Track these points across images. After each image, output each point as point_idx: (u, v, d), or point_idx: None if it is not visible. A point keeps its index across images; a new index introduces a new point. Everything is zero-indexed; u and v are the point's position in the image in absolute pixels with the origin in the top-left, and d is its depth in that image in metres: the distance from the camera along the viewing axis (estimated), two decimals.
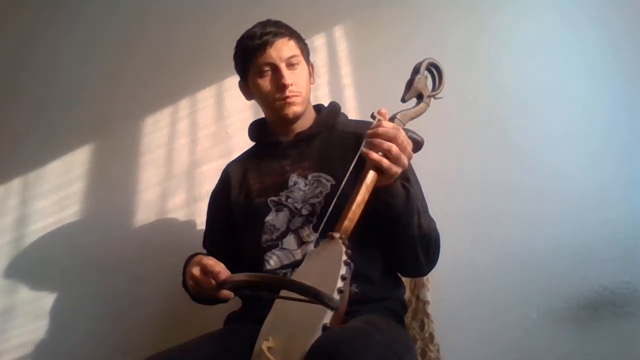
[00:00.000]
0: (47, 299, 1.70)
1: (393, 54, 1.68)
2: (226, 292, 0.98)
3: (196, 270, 1.00)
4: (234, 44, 1.24)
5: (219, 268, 0.98)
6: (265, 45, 1.16)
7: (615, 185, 1.54)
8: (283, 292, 0.90)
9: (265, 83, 1.19)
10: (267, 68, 1.17)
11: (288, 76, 1.16)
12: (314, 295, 0.78)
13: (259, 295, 0.99)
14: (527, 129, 1.61)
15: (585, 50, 1.64)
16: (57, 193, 1.77)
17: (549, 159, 1.59)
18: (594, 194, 1.54)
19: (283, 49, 1.17)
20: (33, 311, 1.69)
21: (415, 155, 1.16)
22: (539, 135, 1.60)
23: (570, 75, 1.63)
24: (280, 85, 1.16)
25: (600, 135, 1.58)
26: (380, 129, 0.98)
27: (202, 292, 1.01)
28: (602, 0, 1.64)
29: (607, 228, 1.51)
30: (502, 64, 1.67)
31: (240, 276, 0.92)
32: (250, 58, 1.19)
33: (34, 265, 1.73)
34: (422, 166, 1.22)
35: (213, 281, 0.97)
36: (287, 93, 1.16)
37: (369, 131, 0.99)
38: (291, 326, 0.91)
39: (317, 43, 1.71)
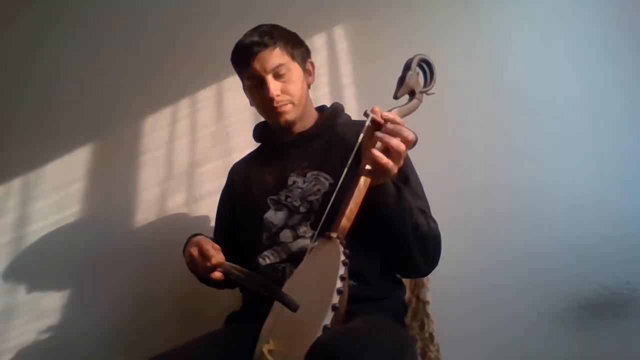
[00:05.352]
0: (47, 299, 1.70)
1: (393, 53, 1.67)
2: (217, 274, 1.05)
3: (194, 250, 1.08)
4: (234, 44, 1.24)
5: (213, 252, 1.05)
6: (248, 59, 1.16)
7: (615, 185, 1.54)
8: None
9: (255, 94, 1.21)
10: (254, 80, 1.18)
11: (274, 87, 1.15)
12: (280, 297, 0.89)
13: (242, 283, 1.07)
14: (528, 130, 1.61)
15: (588, 50, 1.64)
16: (57, 193, 1.77)
17: (549, 159, 1.59)
18: (594, 194, 1.54)
19: (267, 60, 1.16)
20: (33, 311, 1.69)
21: (415, 156, 1.16)
22: (540, 136, 1.60)
23: (572, 77, 1.63)
24: (266, 98, 1.17)
25: (600, 134, 1.58)
26: (397, 126, 0.94)
27: (197, 271, 1.11)
28: None
29: (607, 228, 1.51)
30: (503, 64, 1.66)
31: (229, 265, 1.04)
32: (239, 70, 1.23)
33: (34, 265, 1.73)
34: (423, 167, 1.22)
35: (208, 263, 1.04)
36: (275, 104, 1.17)
37: (389, 125, 0.94)
38: (292, 328, 0.91)
39: (317, 43, 1.71)
